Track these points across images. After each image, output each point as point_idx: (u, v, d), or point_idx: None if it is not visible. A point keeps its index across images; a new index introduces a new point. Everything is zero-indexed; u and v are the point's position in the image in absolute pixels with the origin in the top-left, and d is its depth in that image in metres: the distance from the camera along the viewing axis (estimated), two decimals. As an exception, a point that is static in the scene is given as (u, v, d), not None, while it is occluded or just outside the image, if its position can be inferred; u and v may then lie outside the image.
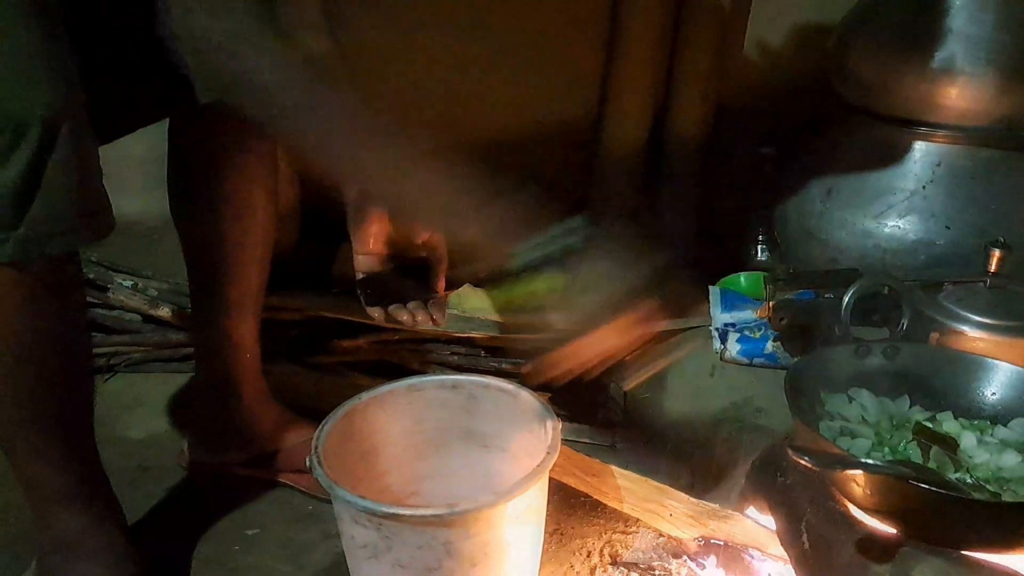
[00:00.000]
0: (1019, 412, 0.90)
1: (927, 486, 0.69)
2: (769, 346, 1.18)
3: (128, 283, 1.44)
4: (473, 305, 1.39)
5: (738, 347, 1.21)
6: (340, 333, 1.33)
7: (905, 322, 0.94)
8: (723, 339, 1.24)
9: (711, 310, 1.32)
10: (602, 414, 1.23)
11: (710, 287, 1.36)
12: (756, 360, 1.21)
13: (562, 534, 1.01)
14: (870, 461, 0.71)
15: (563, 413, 1.24)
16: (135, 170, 1.44)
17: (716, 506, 0.96)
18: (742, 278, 1.38)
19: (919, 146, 1.23)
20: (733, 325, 1.24)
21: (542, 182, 1.51)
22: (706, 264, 1.53)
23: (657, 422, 1.22)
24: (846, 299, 0.90)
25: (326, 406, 0.86)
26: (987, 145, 1.22)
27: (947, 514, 0.70)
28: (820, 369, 0.90)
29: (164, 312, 1.37)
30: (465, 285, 1.38)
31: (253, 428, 1.03)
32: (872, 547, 0.74)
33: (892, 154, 1.25)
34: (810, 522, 0.80)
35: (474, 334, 1.33)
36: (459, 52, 1.38)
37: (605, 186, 1.46)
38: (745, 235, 1.51)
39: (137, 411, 1.26)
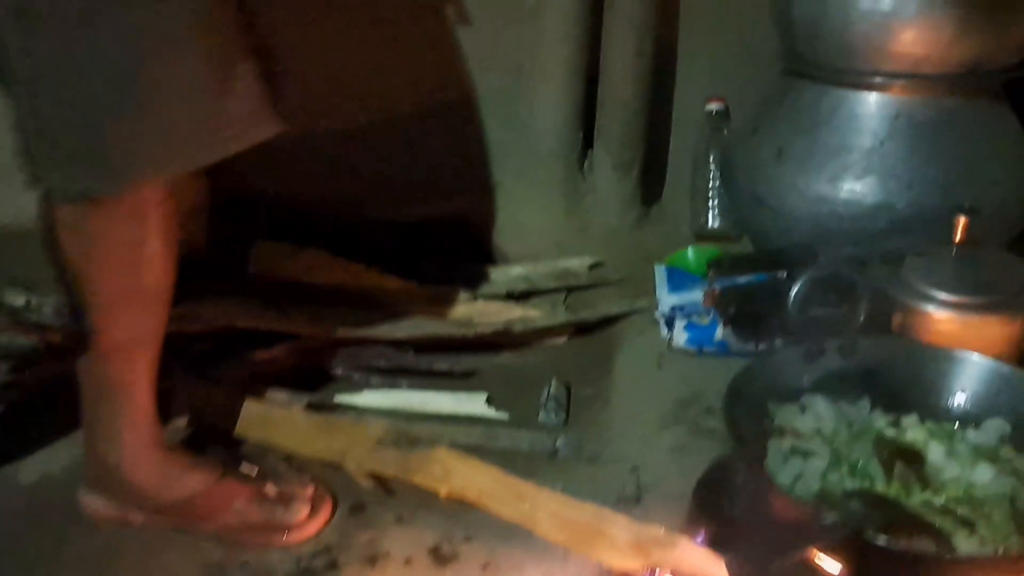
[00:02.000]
0: (992, 410, 0.80)
1: (882, 542, 0.59)
2: (719, 333, 1.08)
3: (20, 301, 1.30)
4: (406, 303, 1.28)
5: (685, 335, 1.10)
6: (256, 341, 1.21)
7: (862, 313, 0.83)
8: (669, 325, 1.13)
9: (657, 291, 1.21)
10: (543, 416, 1.12)
11: (655, 265, 1.24)
12: (706, 349, 1.10)
13: (496, 568, 0.91)
14: (827, 521, 0.61)
15: (500, 417, 1.15)
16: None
17: (662, 531, 0.86)
18: (690, 253, 1.26)
19: (874, 98, 1.10)
20: (681, 309, 1.13)
21: (461, 158, 1.41)
22: (652, 235, 1.42)
23: (602, 423, 1.11)
24: (793, 293, 0.79)
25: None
26: (949, 93, 1.09)
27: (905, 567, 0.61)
28: (767, 378, 0.80)
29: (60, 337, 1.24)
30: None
31: (140, 480, 0.92)
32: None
33: (845, 108, 1.12)
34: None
35: (405, 335, 1.21)
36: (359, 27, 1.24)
37: (532, 159, 1.32)
38: (694, 201, 1.39)
39: (31, 450, 1.14)
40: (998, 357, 0.92)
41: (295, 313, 1.20)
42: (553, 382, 1.17)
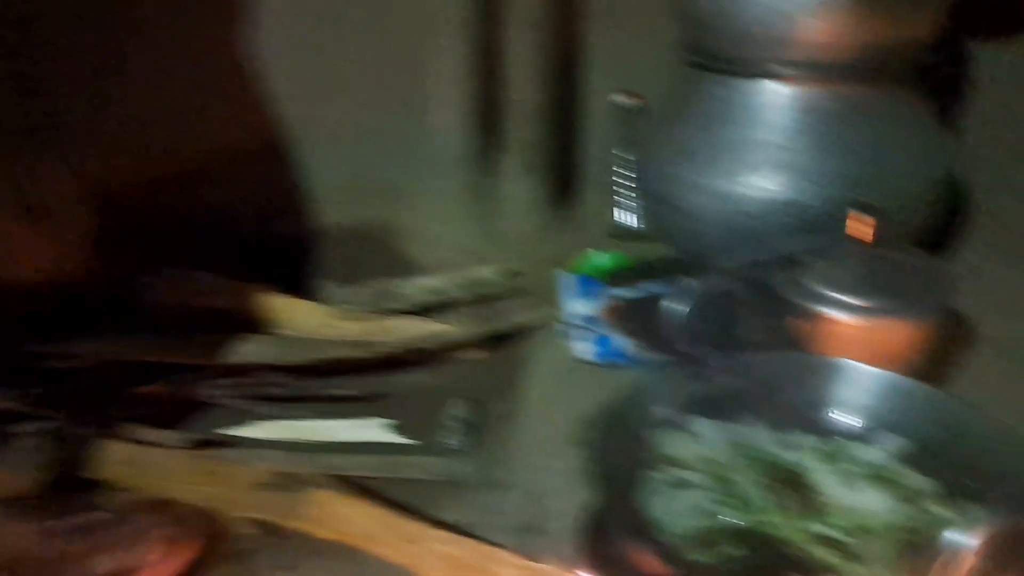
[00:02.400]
0: (890, 426, 0.75)
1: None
2: (625, 345, 1.02)
3: None
4: (301, 323, 1.21)
5: (591, 347, 1.04)
6: (140, 375, 1.14)
7: (755, 327, 0.78)
8: (574, 337, 1.07)
9: (563, 300, 1.15)
10: (450, 440, 1.06)
11: (558, 272, 1.18)
12: (613, 362, 1.04)
13: (383, 615, 0.85)
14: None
15: (407, 443, 1.09)
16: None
17: (552, 568, 0.80)
18: (597, 257, 1.20)
19: (777, 89, 1.04)
20: (586, 319, 1.07)
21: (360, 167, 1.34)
22: (571, 239, 1.36)
23: (511, 444, 1.05)
24: (684, 313, 0.74)
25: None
26: (856, 82, 1.03)
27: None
28: (646, 404, 0.74)
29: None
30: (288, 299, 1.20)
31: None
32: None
33: (748, 101, 1.06)
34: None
35: (302, 359, 1.14)
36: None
37: (437, 165, 1.26)
38: (609, 199, 1.33)
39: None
40: (908, 363, 0.87)
41: (182, 341, 1.13)
42: (460, 402, 1.11)
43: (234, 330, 1.19)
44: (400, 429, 1.11)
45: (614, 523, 0.61)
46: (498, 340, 1.22)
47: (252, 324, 1.20)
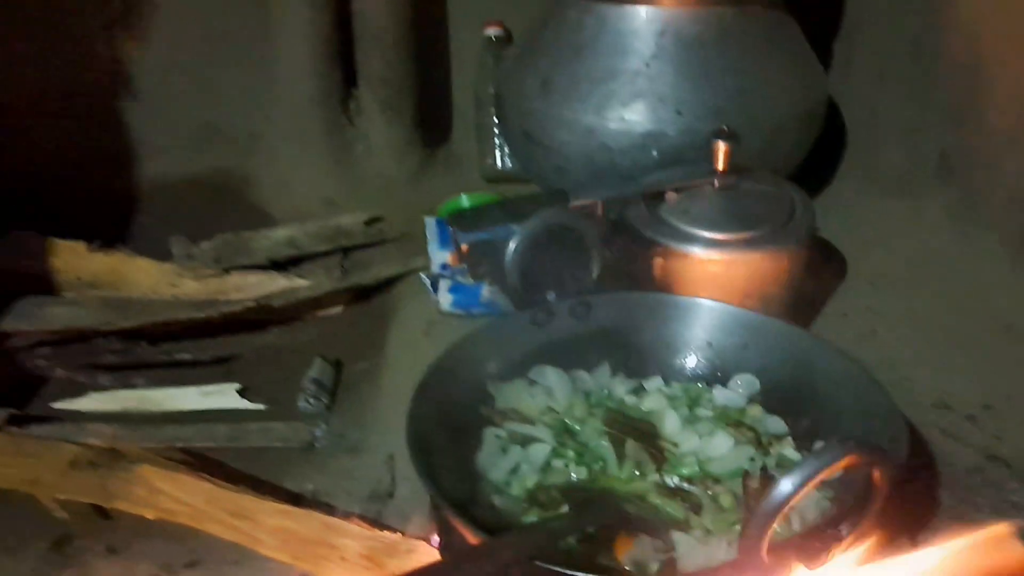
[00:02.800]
0: (741, 365, 0.71)
1: (568, 572, 0.48)
2: (485, 293, 0.95)
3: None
4: (139, 282, 1.10)
5: (451, 297, 0.98)
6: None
7: (595, 268, 0.72)
8: (434, 287, 1.00)
9: (428, 247, 1.07)
10: (302, 403, 0.98)
11: (425, 218, 1.11)
12: (474, 311, 0.98)
13: (219, 596, 0.78)
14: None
15: (257, 408, 1.01)
16: None
17: (398, 537, 0.74)
18: (464, 200, 1.13)
19: (638, 12, 0.97)
20: (446, 267, 1.00)
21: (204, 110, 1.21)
22: (439, 183, 1.28)
23: (368, 405, 0.98)
24: (509, 253, 0.67)
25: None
26: (717, 2, 0.98)
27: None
28: (485, 353, 0.67)
29: None
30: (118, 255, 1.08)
31: None
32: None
33: (608, 27, 0.99)
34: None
35: (136, 323, 1.03)
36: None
37: (288, 106, 1.15)
38: (480, 141, 1.25)
39: None
40: (770, 299, 0.83)
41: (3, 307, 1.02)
42: (317, 362, 1.03)
43: (63, 293, 1.08)
44: (251, 394, 1.03)
45: (438, 489, 0.55)
46: (359, 294, 1.14)
47: (83, 286, 1.09)
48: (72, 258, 1.08)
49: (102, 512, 0.86)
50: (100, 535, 0.86)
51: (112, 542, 0.85)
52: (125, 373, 1.03)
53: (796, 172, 1.09)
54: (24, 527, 0.83)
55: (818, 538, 0.49)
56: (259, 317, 1.09)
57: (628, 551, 0.57)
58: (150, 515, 0.81)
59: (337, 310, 1.14)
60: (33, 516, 0.84)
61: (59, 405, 0.99)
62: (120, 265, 1.07)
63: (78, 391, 1.01)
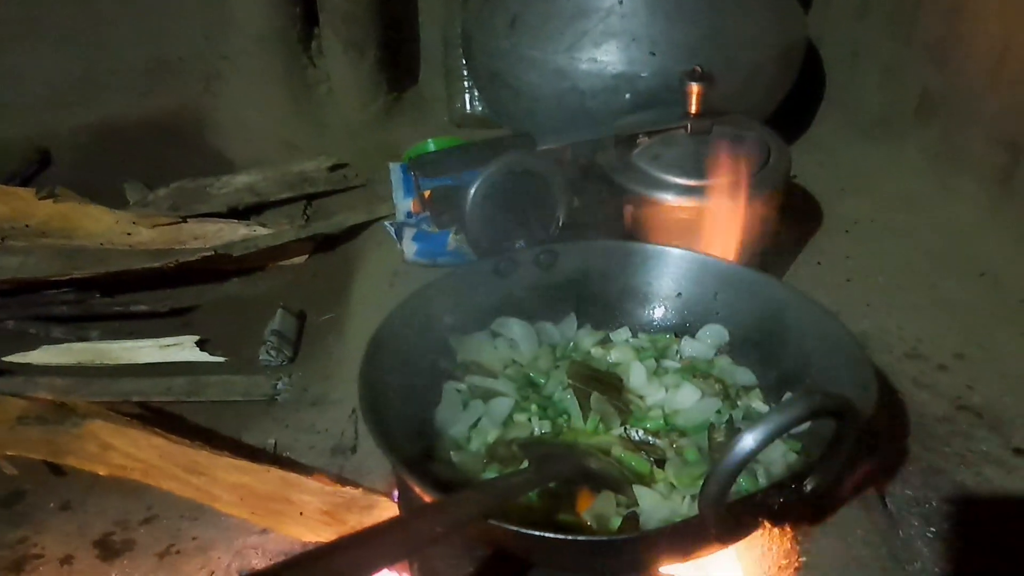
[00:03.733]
0: (710, 315, 0.69)
1: (522, 529, 0.46)
2: (451, 242, 0.92)
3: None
4: (91, 230, 1.06)
5: (415, 246, 0.94)
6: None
7: (560, 216, 0.69)
8: (399, 236, 0.96)
9: (393, 194, 1.04)
10: (263, 355, 0.95)
11: (390, 164, 1.06)
12: (440, 261, 0.94)
13: (178, 553, 0.76)
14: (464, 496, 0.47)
15: (217, 361, 0.98)
16: None
17: (359, 492, 0.72)
18: (431, 145, 1.09)
19: (612, -53, 0.94)
20: (410, 216, 0.97)
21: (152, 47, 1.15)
22: (407, 127, 1.23)
23: (332, 357, 0.96)
24: (469, 199, 0.64)
25: None
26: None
27: (561, 552, 0.48)
28: (444, 304, 0.64)
29: None
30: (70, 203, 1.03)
31: None
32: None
33: (579, -38, 0.95)
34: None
35: (87, 273, 0.99)
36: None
37: (244, 43, 1.10)
38: (449, 83, 1.20)
39: None
40: (740, 245, 0.81)
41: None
42: (279, 313, 1.00)
43: (9, 243, 1.03)
44: (210, 347, 1.00)
45: (391, 446, 0.52)
46: (322, 243, 1.10)
47: (32, 235, 1.04)
48: (19, 205, 1.03)
49: (54, 468, 0.84)
50: (53, 491, 0.84)
51: (65, 498, 0.83)
52: (79, 325, 1.00)
53: (773, 115, 1.06)
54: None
55: (783, 493, 0.47)
56: (218, 267, 1.05)
57: (590, 506, 0.55)
58: (102, 471, 0.79)
59: (300, 259, 1.10)
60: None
61: (9, 358, 0.96)
62: (70, 213, 1.03)
63: (29, 343, 0.98)
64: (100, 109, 1.15)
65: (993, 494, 0.70)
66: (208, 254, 1.01)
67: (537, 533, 0.46)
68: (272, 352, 0.95)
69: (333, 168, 1.16)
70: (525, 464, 0.55)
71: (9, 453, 0.79)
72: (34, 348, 0.96)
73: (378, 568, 0.42)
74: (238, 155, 1.18)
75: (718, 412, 0.61)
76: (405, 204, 1.01)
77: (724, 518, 0.44)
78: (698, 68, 0.80)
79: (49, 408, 0.80)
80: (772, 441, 0.42)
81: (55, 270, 0.98)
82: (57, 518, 0.79)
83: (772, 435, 0.41)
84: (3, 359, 0.95)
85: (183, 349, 0.97)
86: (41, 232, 1.02)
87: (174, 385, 0.92)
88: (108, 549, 0.76)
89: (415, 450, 0.57)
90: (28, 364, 0.95)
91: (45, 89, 1.17)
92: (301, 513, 0.73)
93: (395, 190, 1.04)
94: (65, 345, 0.97)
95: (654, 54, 0.93)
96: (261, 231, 1.08)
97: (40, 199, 1.04)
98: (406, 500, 0.67)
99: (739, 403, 0.62)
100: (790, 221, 0.96)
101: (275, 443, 0.86)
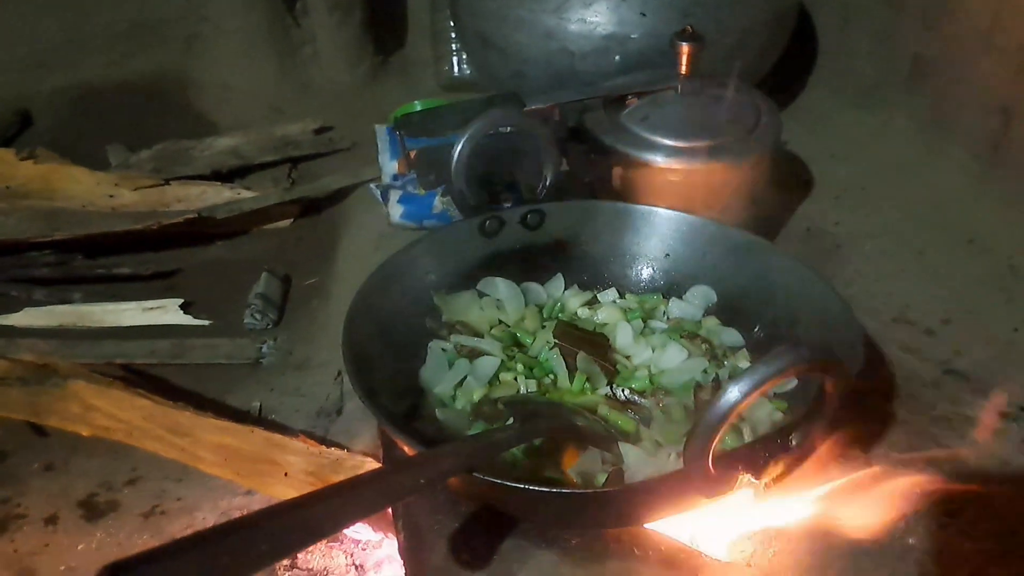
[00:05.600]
0: (699, 275, 0.68)
1: (507, 482, 0.45)
2: (437, 204, 0.91)
3: None
4: (72, 191, 1.04)
5: (401, 208, 0.93)
6: None
7: (548, 176, 0.68)
8: (384, 198, 0.95)
9: (379, 157, 1.02)
10: (248, 318, 0.94)
11: (376, 127, 1.05)
12: (426, 223, 0.94)
13: (163, 514, 0.75)
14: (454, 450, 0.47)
15: (200, 324, 0.97)
16: None
17: (344, 453, 0.72)
18: (418, 107, 1.07)
19: (601, -97, 0.92)
20: (396, 178, 0.96)
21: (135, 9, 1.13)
22: (393, 90, 1.22)
23: (317, 321, 0.95)
24: (455, 156, 0.63)
25: None
26: None
27: (548, 505, 0.48)
28: (430, 264, 0.64)
29: None
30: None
31: None
32: (471, 542, 0.52)
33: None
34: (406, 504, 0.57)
35: (68, 234, 0.97)
36: None
37: (228, 2, 1.07)
38: (436, 45, 1.18)
39: None
40: (729, 209, 0.80)
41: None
42: (264, 277, 0.99)
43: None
44: (194, 310, 0.99)
45: (374, 402, 0.52)
46: (307, 206, 1.09)
47: (12, 196, 1.02)
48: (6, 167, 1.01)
49: (37, 429, 0.83)
50: (36, 452, 0.83)
51: (49, 459, 0.82)
52: (61, 287, 0.99)
53: (763, 80, 1.05)
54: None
55: (767, 448, 0.47)
56: (202, 230, 1.04)
57: (575, 463, 0.55)
58: (85, 432, 0.78)
59: (285, 223, 1.09)
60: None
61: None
62: (51, 174, 1.01)
63: (10, 306, 0.97)
64: (81, 72, 1.13)
65: (978, 457, 0.70)
66: (192, 216, 0.99)
67: (521, 486, 0.45)
68: (257, 315, 0.95)
69: (318, 131, 1.14)
70: (511, 421, 0.55)
71: (-10, 414, 0.79)
72: (16, 311, 0.95)
73: (360, 517, 0.42)
74: (222, 118, 1.16)
75: (704, 372, 0.61)
76: (391, 166, 1.00)
77: (708, 471, 0.44)
78: (689, 28, 0.79)
79: (31, 369, 0.79)
80: (756, 392, 0.42)
81: (36, 232, 0.96)
82: (41, 479, 0.78)
83: (756, 385, 0.41)
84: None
85: (167, 312, 0.96)
86: (22, 194, 1.00)
87: (158, 348, 0.91)
88: (92, 509, 0.76)
89: (400, 408, 0.56)
90: (10, 327, 0.94)
91: (25, 51, 1.15)
92: (286, 474, 0.72)
93: (381, 152, 1.03)
94: (47, 307, 0.95)
95: (644, 15, 0.92)
96: (246, 194, 1.06)
97: (20, 160, 1.02)
98: (391, 460, 0.67)
99: (726, 363, 0.62)
100: (780, 187, 0.96)
101: (260, 406, 0.85)
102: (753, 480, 0.45)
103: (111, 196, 1.02)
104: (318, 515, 0.37)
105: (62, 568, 0.70)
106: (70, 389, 0.78)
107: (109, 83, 1.15)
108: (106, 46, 1.13)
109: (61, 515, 0.75)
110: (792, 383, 0.60)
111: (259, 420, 0.82)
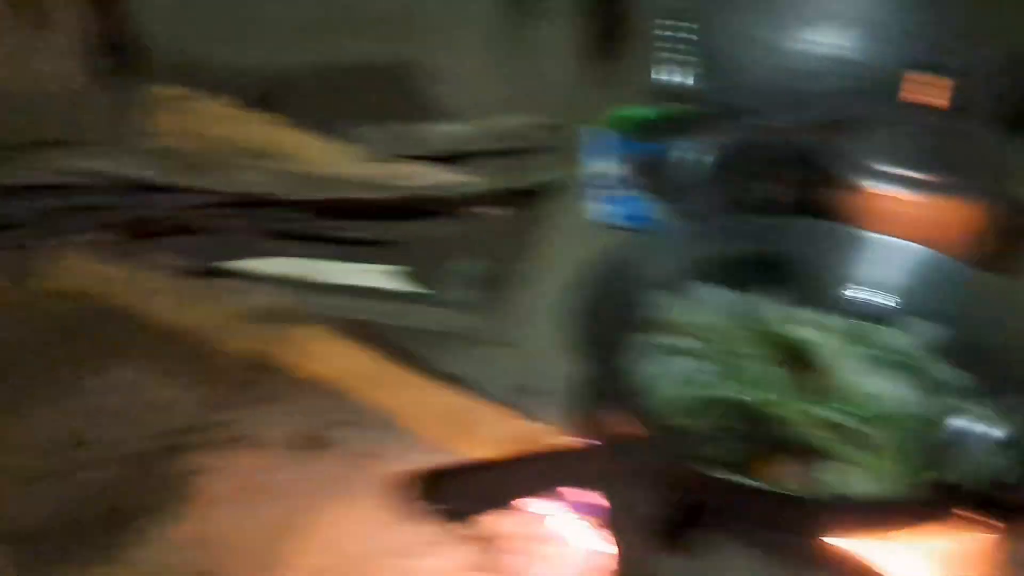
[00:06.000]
0: (922, 309, 0.67)
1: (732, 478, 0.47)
2: (650, 208, 0.93)
3: None
4: (317, 160, 1.15)
5: (609, 208, 0.96)
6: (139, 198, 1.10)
7: (771, 192, 0.69)
8: (595, 197, 0.99)
9: (592, 157, 1.06)
10: (454, 291, 1.01)
11: (582, 128, 1.09)
12: (632, 224, 0.96)
13: (367, 456, 0.82)
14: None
15: (409, 292, 1.04)
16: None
17: (541, 428, 0.76)
18: (635, 112, 1.10)
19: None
20: (609, 178, 0.99)
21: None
22: (617, 91, 1.25)
23: (515, 305, 0.99)
24: (699, 169, 0.65)
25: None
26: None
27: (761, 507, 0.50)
28: (644, 265, 0.67)
29: None
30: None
31: None
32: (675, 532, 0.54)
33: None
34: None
35: (306, 195, 1.08)
36: None
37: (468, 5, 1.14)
38: (654, 51, 1.21)
39: None
40: (957, 249, 0.78)
41: (183, 167, 1.08)
42: (472, 257, 1.06)
43: (245, 159, 1.14)
44: (410, 278, 1.07)
45: (595, 386, 0.55)
46: (519, 196, 1.15)
47: (265, 155, 1.15)
48: (258, 128, 1.13)
49: (260, 367, 0.93)
50: (263, 387, 0.94)
51: (266, 391, 0.90)
52: (296, 242, 1.10)
53: (1006, 115, 1.00)
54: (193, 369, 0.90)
55: (997, 487, 0.46)
56: (424, 206, 1.12)
57: (775, 475, 0.56)
58: (316, 372, 0.86)
59: (495, 210, 1.15)
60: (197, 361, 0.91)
61: (227, 264, 1.06)
62: (302, 142, 1.12)
63: (252, 253, 1.09)
64: (328, 52, 1.25)
65: None
66: (424, 193, 1.07)
67: (747, 483, 0.47)
68: (465, 291, 1.01)
69: (541, 127, 1.20)
70: (725, 427, 0.57)
71: (232, 344, 0.89)
72: (248, 258, 1.05)
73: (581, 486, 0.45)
74: (448, 104, 1.24)
75: (923, 407, 0.60)
76: (603, 167, 1.03)
77: (931, 499, 0.44)
78: (939, 63, 0.78)
79: (272, 309, 0.89)
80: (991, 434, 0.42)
81: (285, 191, 1.07)
82: (258, 409, 0.87)
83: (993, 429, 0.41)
84: (223, 264, 1.05)
85: (385, 276, 1.04)
86: (259, 154, 1.12)
87: (376, 307, 0.99)
88: (300, 445, 0.84)
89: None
90: (247, 272, 1.05)
91: (280, 28, 1.28)
92: (485, 439, 0.78)
93: (594, 153, 1.06)
94: (280, 258, 1.06)
95: (884, 41, 0.90)
96: (463, 179, 1.13)
97: (264, 125, 1.14)
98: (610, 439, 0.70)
99: (948, 401, 0.61)
100: (1015, 237, 0.91)
101: (464, 376, 0.91)
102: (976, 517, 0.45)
103: (339, 165, 1.11)
104: (526, 476, 0.41)
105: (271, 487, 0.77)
106: (309, 332, 0.87)
107: (352, 65, 1.26)
108: (354, 31, 1.23)
109: (271, 445, 0.83)
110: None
111: (464, 386, 0.88)
